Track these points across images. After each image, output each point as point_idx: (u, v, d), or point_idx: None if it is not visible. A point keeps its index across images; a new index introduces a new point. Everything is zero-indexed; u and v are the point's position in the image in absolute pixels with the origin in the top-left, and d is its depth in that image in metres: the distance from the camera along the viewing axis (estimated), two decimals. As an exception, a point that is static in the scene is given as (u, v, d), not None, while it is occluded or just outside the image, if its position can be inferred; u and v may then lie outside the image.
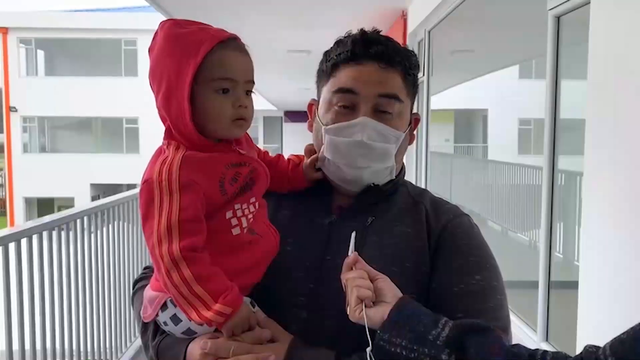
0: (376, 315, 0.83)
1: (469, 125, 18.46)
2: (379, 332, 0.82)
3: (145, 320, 1.01)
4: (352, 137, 0.98)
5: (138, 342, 3.82)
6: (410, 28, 5.06)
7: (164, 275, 0.86)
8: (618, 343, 0.68)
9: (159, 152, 0.93)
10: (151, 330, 1.02)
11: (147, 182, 0.89)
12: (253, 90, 0.96)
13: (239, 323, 0.89)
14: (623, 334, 0.68)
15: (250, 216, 0.95)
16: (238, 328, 0.89)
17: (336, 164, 1.02)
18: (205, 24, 0.93)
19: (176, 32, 0.90)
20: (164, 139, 0.94)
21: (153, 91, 0.93)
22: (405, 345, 0.79)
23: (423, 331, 0.79)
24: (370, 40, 1.01)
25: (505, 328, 0.95)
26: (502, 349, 0.76)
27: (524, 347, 0.79)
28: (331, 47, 1.06)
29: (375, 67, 0.99)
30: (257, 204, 0.97)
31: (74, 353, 2.95)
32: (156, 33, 0.93)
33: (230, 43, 0.92)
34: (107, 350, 3.42)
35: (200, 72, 0.88)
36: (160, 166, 0.88)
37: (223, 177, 0.91)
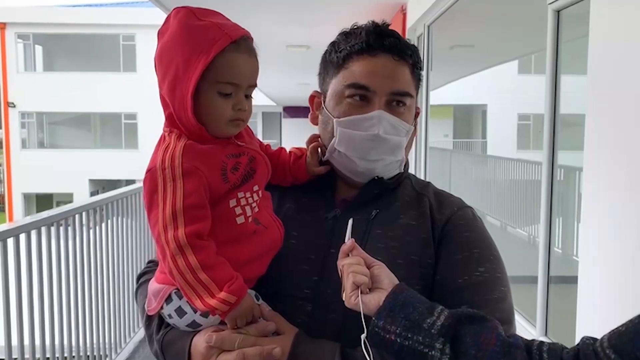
0: (372, 301, 0.83)
1: (468, 120, 18.46)
2: (373, 319, 0.81)
3: (150, 313, 1.01)
4: (369, 131, 0.98)
5: (137, 337, 3.82)
6: (409, 23, 5.04)
7: (170, 262, 0.86)
8: (616, 336, 0.67)
9: (160, 140, 0.94)
10: (155, 323, 1.02)
11: (150, 171, 0.89)
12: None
13: (242, 313, 0.89)
14: (621, 326, 0.68)
15: (254, 205, 0.95)
16: (242, 318, 0.89)
17: (348, 156, 1.01)
18: (221, 18, 0.92)
19: (191, 23, 0.89)
20: (166, 126, 0.95)
21: (157, 74, 0.93)
22: (399, 332, 0.78)
23: (418, 319, 0.79)
24: (383, 32, 1.01)
25: (509, 319, 0.95)
26: (497, 339, 0.75)
27: (521, 337, 0.78)
28: (339, 38, 1.05)
29: (389, 59, 0.99)
30: (260, 193, 0.98)
31: (74, 348, 2.96)
32: (169, 18, 0.93)
33: (242, 44, 0.92)
34: (107, 346, 3.42)
35: (208, 70, 0.88)
36: (162, 154, 0.89)
37: (224, 165, 0.92)
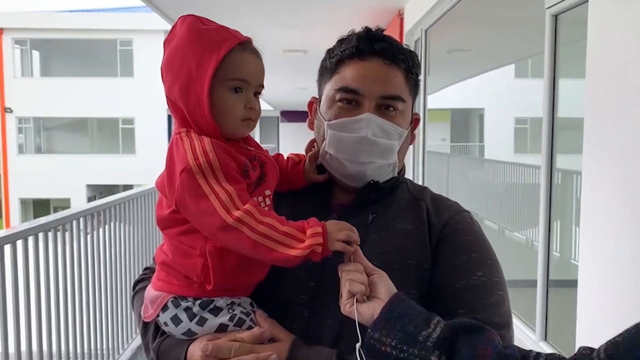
0: (367, 311, 0.83)
1: (466, 124, 18.50)
2: (369, 330, 0.81)
3: (146, 320, 1.01)
4: (357, 133, 0.99)
5: (135, 343, 3.81)
6: (406, 27, 5.06)
7: (250, 234, 0.85)
8: (613, 346, 0.67)
9: (177, 141, 0.93)
10: (151, 331, 1.02)
11: (186, 170, 0.87)
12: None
13: (342, 227, 0.88)
14: (618, 336, 0.68)
15: (266, 209, 0.95)
16: (346, 234, 0.87)
17: (338, 159, 1.02)
18: (222, 25, 0.95)
19: (199, 27, 0.93)
20: (180, 127, 0.94)
21: (165, 81, 0.95)
22: (395, 345, 0.78)
23: (413, 331, 0.78)
24: (375, 37, 1.02)
25: (507, 323, 0.94)
26: (493, 350, 0.75)
27: (518, 347, 0.77)
28: (334, 45, 1.07)
29: (380, 63, 1.00)
30: (271, 197, 0.99)
31: (71, 354, 2.94)
32: (175, 26, 0.95)
33: (248, 46, 0.95)
34: (105, 352, 3.40)
35: (219, 69, 0.90)
36: (192, 151, 0.89)
37: (245, 164, 0.93)
